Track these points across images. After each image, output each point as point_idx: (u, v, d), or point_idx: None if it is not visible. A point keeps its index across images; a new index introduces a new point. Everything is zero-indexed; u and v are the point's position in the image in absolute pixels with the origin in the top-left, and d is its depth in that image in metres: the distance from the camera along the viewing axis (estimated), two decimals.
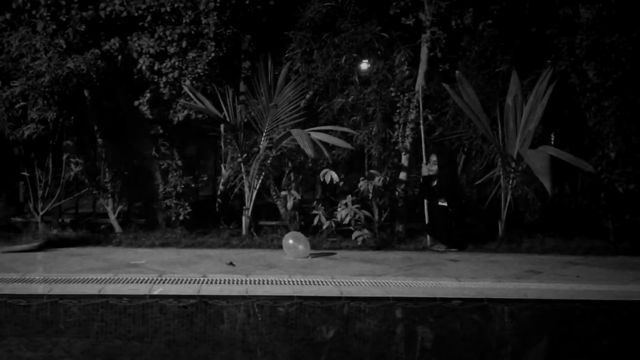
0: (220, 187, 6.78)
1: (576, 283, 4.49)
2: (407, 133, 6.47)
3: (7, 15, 6.01)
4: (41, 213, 6.22)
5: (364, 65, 6.61)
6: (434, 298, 4.03)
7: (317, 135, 5.88)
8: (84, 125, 6.21)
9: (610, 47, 6.26)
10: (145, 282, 4.10)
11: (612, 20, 6.31)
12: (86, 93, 6.17)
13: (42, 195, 6.22)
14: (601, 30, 6.30)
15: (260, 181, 6.20)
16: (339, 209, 5.97)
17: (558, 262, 5.35)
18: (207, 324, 3.62)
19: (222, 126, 6.60)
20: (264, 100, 6.33)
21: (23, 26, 5.96)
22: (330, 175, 6.01)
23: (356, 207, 5.92)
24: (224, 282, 4.16)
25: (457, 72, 6.21)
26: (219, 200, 6.80)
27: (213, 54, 6.20)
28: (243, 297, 3.89)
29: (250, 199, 6.16)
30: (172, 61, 6.17)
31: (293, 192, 6.26)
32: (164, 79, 6.17)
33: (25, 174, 6.28)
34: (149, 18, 6.16)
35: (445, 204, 6.08)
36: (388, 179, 6.34)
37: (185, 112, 6.23)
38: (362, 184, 6.10)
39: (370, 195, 6.12)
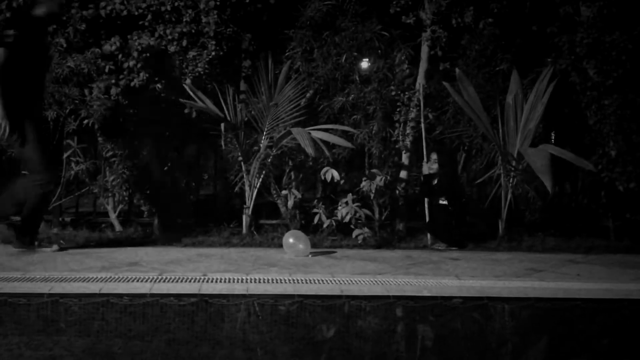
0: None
1: (577, 281, 4.49)
2: (408, 132, 6.48)
3: (8, 14, 6.01)
4: None
5: (365, 64, 6.61)
6: (434, 296, 4.03)
7: (317, 134, 5.89)
8: (84, 125, 6.20)
9: (611, 45, 6.26)
10: (146, 280, 4.10)
11: (612, 19, 6.31)
12: (86, 92, 6.17)
13: None
14: (602, 28, 6.30)
15: (260, 180, 6.20)
16: (339, 208, 5.97)
17: (558, 261, 5.35)
18: (207, 323, 3.62)
19: (222, 125, 6.61)
20: (264, 99, 6.33)
21: None
22: (331, 174, 6.01)
23: (356, 206, 5.92)
24: (225, 281, 4.16)
25: (457, 70, 6.21)
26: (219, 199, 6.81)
27: (213, 53, 6.21)
28: (244, 296, 3.89)
29: (250, 197, 6.17)
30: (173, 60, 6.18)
31: (294, 190, 6.27)
32: None
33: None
34: (149, 17, 6.16)
35: (446, 202, 6.09)
36: (389, 177, 6.34)
37: (186, 111, 6.24)
38: (364, 184, 6.12)
39: (372, 194, 6.13)
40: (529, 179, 6.20)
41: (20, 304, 3.67)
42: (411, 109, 6.45)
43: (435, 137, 6.64)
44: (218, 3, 6.21)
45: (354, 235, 5.89)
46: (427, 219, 6.24)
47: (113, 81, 6.12)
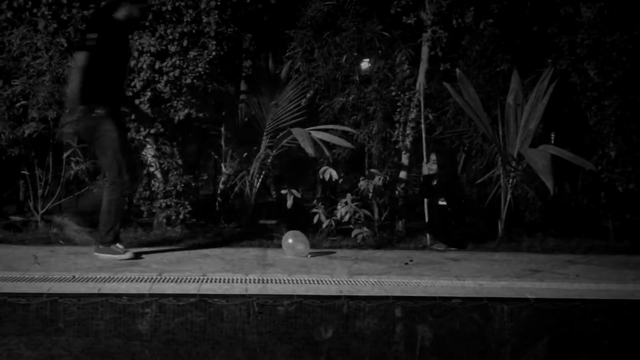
0: (221, 186, 6.78)
1: (576, 282, 4.50)
2: (408, 132, 6.48)
3: (9, 14, 6.01)
4: (41, 212, 6.23)
5: (365, 64, 6.61)
6: (433, 297, 4.03)
7: (317, 134, 5.90)
8: None
9: (611, 46, 6.26)
10: (145, 280, 4.10)
11: (613, 19, 6.31)
12: None
13: (42, 194, 6.22)
14: (602, 29, 6.30)
15: (260, 180, 6.21)
16: (338, 207, 5.97)
17: (558, 261, 5.35)
18: (207, 323, 3.62)
19: (223, 125, 6.61)
20: (264, 99, 6.33)
21: (24, 25, 5.97)
22: (330, 173, 6.01)
23: (356, 206, 5.92)
24: (224, 281, 4.16)
25: (457, 71, 6.21)
26: (219, 199, 6.81)
27: (214, 53, 6.21)
28: (243, 296, 3.90)
29: (250, 197, 6.17)
30: (173, 60, 6.17)
31: (293, 191, 6.27)
32: (165, 78, 6.17)
33: (26, 172, 6.29)
34: (150, 17, 6.16)
35: (445, 203, 6.09)
36: (388, 177, 6.34)
37: (186, 110, 6.24)
38: (362, 183, 6.11)
39: (371, 194, 6.12)
40: (529, 179, 6.20)
41: (20, 303, 3.67)
42: (411, 109, 6.45)
43: (435, 137, 6.64)
44: (219, 3, 6.21)
45: (353, 235, 5.88)
46: (427, 220, 6.24)
47: None
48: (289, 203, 6.22)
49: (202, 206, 6.74)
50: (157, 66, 6.16)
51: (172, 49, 6.17)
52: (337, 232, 6.06)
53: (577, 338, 3.70)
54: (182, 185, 6.21)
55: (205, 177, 7.35)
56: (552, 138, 7.12)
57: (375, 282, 4.27)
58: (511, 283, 4.39)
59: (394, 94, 6.45)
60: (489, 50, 6.55)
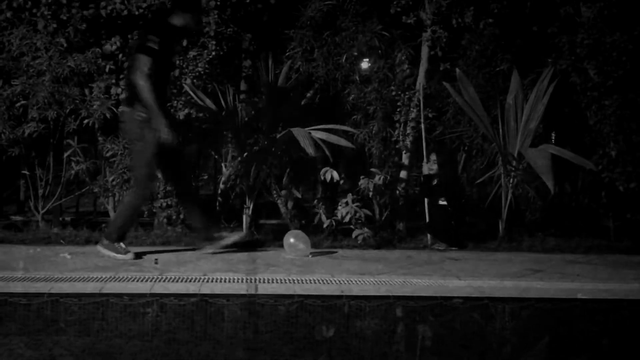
0: (221, 185, 6.78)
1: (577, 282, 4.50)
2: (408, 132, 6.48)
3: (8, 13, 6.01)
4: (42, 212, 6.23)
5: (365, 64, 6.60)
6: (434, 296, 4.03)
7: (317, 134, 5.89)
8: (84, 124, 6.20)
9: (612, 45, 6.26)
10: (146, 280, 4.10)
11: (613, 19, 6.31)
12: (87, 92, 6.17)
13: (42, 194, 6.22)
14: (602, 29, 6.30)
15: (260, 180, 6.20)
16: (339, 208, 5.96)
17: (559, 261, 5.36)
18: (208, 322, 3.62)
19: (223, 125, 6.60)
20: (264, 99, 6.33)
21: (24, 25, 5.97)
22: (331, 174, 6.01)
23: (356, 206, 5.92)
24: (225, 281, 4.16)
25: (457, 70, 6.21)
26: (219, 199, 6.81)
27: (214, 53, 6.21)
28: (243, 296, 3.90)
29: (250, 197, 6.16)
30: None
31: (294, 190, 6.26)
32: None
33: (26, 172, 6.29)
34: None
35: (446, 202, 6.09)
36: (389, 177, 6.34)
37: (186, 110, 6.24)
38: (362, 182, 6.10)
39: (371, 193, 6.12)
40: (529, 179, 6.19)
41: (21, 303, 3.67)
42: (411, 109, 6.45)
43: (435, 137, 6.63)
44: (218, 3, 6.21)
45: (354, 235, 5.88)
46: (427, 219, 6.23)
47: (113, 81, 6.12)
48: (290, 203, 6.22)
49: (202, 206, 6.72)
50: None
51: None
52: (338, 232, 6.06)
53: (578, 337, 3.71)
54: None
55: (205, 177, 7.34)
56: (553, 138, 7.11)
57: (376, 281, 4.27)
58: (512, 283, 4.39)
59: (394, 93, 6.45)
60: (488, 50, 6.55)
